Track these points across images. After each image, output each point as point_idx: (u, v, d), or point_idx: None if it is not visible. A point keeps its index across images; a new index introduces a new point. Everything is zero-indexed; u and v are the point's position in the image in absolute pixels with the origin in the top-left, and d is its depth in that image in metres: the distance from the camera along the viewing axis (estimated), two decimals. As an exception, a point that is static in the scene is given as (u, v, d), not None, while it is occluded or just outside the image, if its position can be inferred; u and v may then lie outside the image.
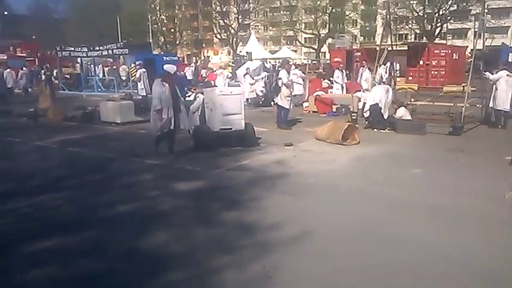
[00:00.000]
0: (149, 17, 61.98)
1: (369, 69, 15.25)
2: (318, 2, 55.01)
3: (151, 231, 4.45)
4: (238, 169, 6.94)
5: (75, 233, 4.42)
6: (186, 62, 43.21)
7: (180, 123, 7.72)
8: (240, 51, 44.44)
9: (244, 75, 16.10)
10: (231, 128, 8.44)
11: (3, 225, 4.67)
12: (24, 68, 25.66)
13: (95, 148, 8.72)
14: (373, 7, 58.29)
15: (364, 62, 19.82)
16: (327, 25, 56.54)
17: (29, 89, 23.37)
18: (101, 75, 28.15)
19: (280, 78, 11.55)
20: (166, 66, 7.83)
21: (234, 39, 60.88)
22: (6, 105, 16.50)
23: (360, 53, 27.01)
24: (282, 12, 63.96)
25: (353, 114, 11.69)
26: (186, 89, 18.56)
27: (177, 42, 68.29)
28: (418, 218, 4.75)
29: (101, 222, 4.76)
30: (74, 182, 6.35)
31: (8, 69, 22.26)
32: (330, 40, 55.76)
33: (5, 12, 67.62)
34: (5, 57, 38.14)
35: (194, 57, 61.59)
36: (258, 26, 65.04)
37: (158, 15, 66.68)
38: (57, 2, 77.95)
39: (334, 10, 55.47)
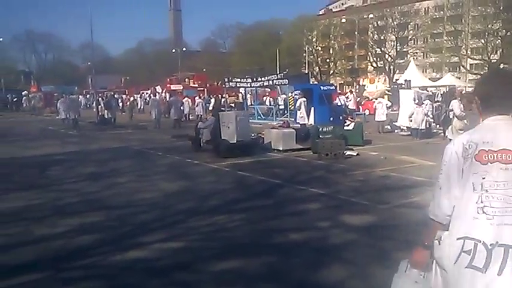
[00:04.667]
0: (306, 48, 64.34)
1: None
2: (489, 25, 50.01)
3: (325, 264, 4.35)
4: (409, 206, 6.45)
5: (252, 257, 4.59)
6: (339, 91, 43.30)
7: None
8: (397, 79, 42.80)
9: (409, 103, 15.32)
10: (243, 140, 11.63)
11: (189, 242, 5.12)
12: (199, 97, 28.89)
13: (262, 173, 9.12)
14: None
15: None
16: (499, 50, 50.85)
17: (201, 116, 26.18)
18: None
19: (452, 110, 10.65)
20: None
21: (391, 67, 59.06)
22: (182, 129, 18.67)
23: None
24: (444, 37, 59.94)
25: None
26: (341, 117, 18.54)
27: (331, 72, 69.23)
28: None
29: (275, 248, 4.85)
30: (246, 204, 6.70)
31: (186, 98, 25.41)
32: (502, 66, 49.95)
33: (184, 49, 77.82)
34: (181, 88, 43.75)
35: (347, 86, 61.53)
36: (417, 52, 62.03)
37: (314, 46, 68.80)
38: (224, 38, 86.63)
39: (508, 33, 49.69)
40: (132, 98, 35.10)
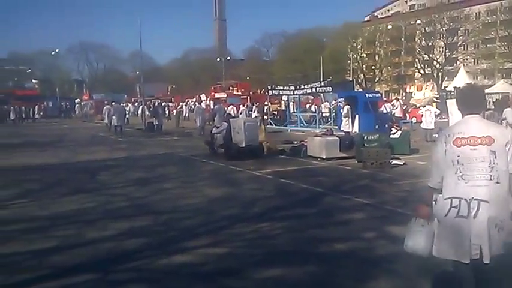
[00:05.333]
0: (350, 55, 63.50)
1: None
2: (547, 29, 47.46)
3: (371, 276, 4.24)
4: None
5: (296, 265, 4.55)
6: (385, 98, 42.41)
7: None
8: (446, 86, 41.38)
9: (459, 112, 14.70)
10: (251, 145, 12.52)
11: (233, 248, 5.16)
12: (244, 105, 29.28)
13: (304, 181, 9.06)
14: None
15: None
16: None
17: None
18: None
19: (505, 118, 10.15)
20: None
21: (440, 73, 57.18)
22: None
23: None
24: (497, 43, 57.40)
25: None
26: (386, 125, 18.10)
27: (377, 79, 67.92)
28: None
29: (319, 257, 4.79)
30: (289, 213, 6.67)
31: (231, 106, 25.89)
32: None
33: (228, 58, 79.10)
34: (225, 96, 44.42)
35: (393, 94, 60.14)
36: (467, 59, 59.68)
37: (359, 53, 67.79)
38: (267, 47, 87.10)
39: None
40: (179, 106, 36.07)
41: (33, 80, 75.85)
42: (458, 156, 2.90)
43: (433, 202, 3.04)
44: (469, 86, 3.47)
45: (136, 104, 45.70)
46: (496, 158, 2.87)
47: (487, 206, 2.81)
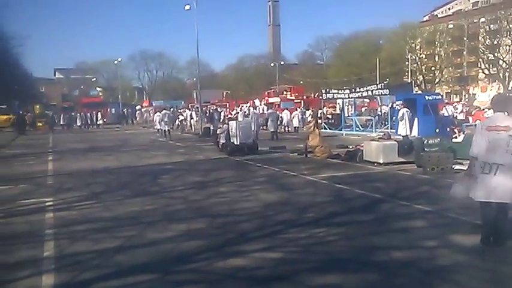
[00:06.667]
0: (409, 56, 61.39)
1: None
2: None
3: (433, 287, 4.08)
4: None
5: (352, 273, 4.47)
6: (446, 100, 40.54)
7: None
8: (514, 87, 38.87)
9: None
10: (245, 142, 14.96)
11: (288, 253, 5.15)
12: (297, 109, 29.24)
13: (361, 187, 8.86)
14: None
15: None
16: None
17: (298, 128, 26.38)
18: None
19: None
20: None
21: (506, 73, 53.80)
22: (279, 141, 18.93)
23: None
24: None
25: None
26: (448, 129, 17.29)
27: (437, 80, 65.11)
28: None
29: (377, 265, 4.65)
30: (345, 219, 6.56)
31: (285, 110, 25.97)
32: None
33: (282, 62, 79.25)
34: (279, 100, 44.50)
35: (454, 95, 57.43)
36: (537, 57, 55.62)
37: (418, 54, 65.36)
38: (321, 50, 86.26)
39: None
40: (234, 112, 36.70)
41: (98, 88, 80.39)
42: (488, 137, 4.90)
43: (472, 164, 5.12)
44: (499, 95, 5.75)
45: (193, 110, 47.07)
46: (511, 139, 4.78)
47: (503, 167, 4.79)
